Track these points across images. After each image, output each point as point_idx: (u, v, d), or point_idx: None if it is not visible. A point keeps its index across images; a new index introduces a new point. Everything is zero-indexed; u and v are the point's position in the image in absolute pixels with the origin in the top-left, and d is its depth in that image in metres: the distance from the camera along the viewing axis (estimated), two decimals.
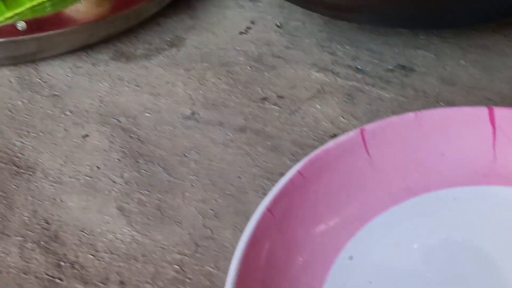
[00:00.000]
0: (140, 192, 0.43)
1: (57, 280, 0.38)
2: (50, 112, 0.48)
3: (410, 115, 0.40)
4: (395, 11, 0.46)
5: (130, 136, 0.46)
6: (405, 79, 0.49)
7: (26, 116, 0.48)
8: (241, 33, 0.54)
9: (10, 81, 0.51)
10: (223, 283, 0.35)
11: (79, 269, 0.38)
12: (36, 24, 0.52)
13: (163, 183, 0.43)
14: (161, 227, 0.40)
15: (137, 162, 0.44)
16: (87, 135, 0.47)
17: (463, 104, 0.46)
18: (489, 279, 0.35)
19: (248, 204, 0.41)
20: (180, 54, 0.53)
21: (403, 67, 0.50)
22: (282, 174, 0.38)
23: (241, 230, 0.38)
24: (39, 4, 0.54)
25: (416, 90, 0.48)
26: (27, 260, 0.39)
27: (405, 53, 0.51)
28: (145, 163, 0.44)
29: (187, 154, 0.45)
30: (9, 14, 0.53)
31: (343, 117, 0.46)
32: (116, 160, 0.45)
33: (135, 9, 0.53)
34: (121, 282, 0.38)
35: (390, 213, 0.39)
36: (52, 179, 0.44)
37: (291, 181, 0.37)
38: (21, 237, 0.40)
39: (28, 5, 0.53)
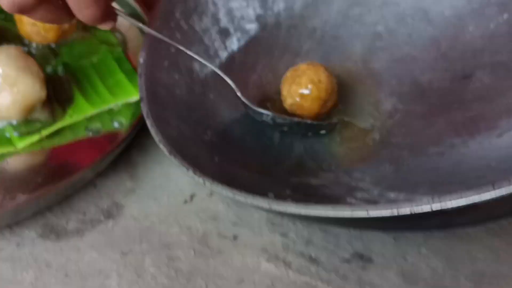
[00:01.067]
0: None
1: None
2: None
3: None
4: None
5: None
6: (363, 274, 0.45)
7: None
8: (185, 201, 0.50)
9: None
10: None
11: None
12: None
13: None
14: None
15: None
16: None
17: None
18: None
19: None
20: (117, 230, 0.47)
21: (360, 257, 0.46)
22: None
23: None
24: None
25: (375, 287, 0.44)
26: None
27: (362, 236, 0.47)
28: None
29: None
30: None
31: None
32: None
33: (70, 180, 0.47)
34: None
35: None
36: None
37: None
38: None
39: None
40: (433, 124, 0.49)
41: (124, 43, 0.58)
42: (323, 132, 0.51)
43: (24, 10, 0.42)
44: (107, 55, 0.57)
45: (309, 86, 0.49)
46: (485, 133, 0.46)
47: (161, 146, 0.40)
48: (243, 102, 0.48)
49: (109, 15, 0.44)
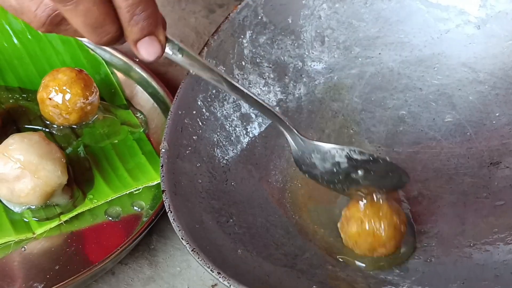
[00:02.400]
0: None
1: None
2: None
3: None
4: None
5: None
6: None
7: None
8: None
9: None
10: None
11: None
12: None
13: None
14: None
15: None
16: None
17: None
18: None
19: None
20: None
21: None
22: None
23: None
24: None
25: None
26: None
27: None
28: None
29: None
30: None
31: None
32: None
33: (89, 273, 0.45)
34: None
35: None
36: None
37: None
38: None
39: None
40: (462, 213, 0.48)
41: (145, 124, 0.58)
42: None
43: (55, 22, 0.40)
44: (128, 136, 0.56)
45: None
46: None
47: (184, 242, 0.40)
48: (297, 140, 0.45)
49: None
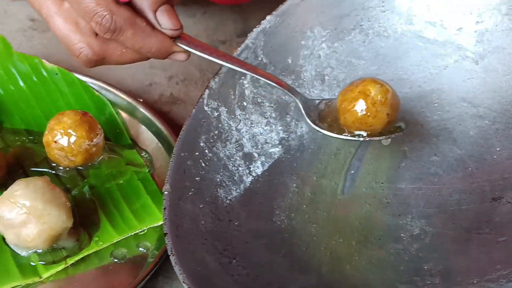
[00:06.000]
0: None
1: None
2: None
3: None
4: None
5: None
6: None
7: None
8: None
9: None
10: None
11: None
12: None
13: None
14: None
15: None
16: None
17: None
18: None
19: None
20: None
21: None
22: None
23: None
24: None
25: None
26: None
27: None
28: None
29: None
30: None
31: None
32: None
33: None
34: None
35: None
36: None
37: None
38: None
39: None
40: (465, 250, 0.48)
41: (150, 163, 0.59)
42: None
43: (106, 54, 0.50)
44: (133, 176, 0.57)
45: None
46: None
47: (185, 286, 0.40)
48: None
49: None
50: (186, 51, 0.52)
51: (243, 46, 0.56)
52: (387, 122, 0.50)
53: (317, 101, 0.54)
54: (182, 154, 0.51)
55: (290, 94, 0.53)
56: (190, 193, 0.49)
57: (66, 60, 0.67)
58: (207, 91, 0.54)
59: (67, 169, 0.57)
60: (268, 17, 0.57)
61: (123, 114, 0.63)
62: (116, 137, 0.61)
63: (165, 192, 0.48)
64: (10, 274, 0.49)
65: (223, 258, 0.46)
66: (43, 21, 0.80)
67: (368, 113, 0.49)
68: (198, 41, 0.52)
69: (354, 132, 0.51)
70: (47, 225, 0.48)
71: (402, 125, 0.51)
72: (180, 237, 0.45)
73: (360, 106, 0.50)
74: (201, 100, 0.54)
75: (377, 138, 0.51)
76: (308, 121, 0.52)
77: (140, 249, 0.52)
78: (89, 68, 0.52)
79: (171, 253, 0.43)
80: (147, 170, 0.58)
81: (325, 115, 0.53)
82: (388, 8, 0.56)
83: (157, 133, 0.61)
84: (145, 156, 0.60)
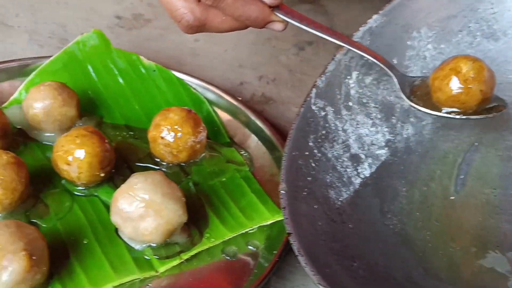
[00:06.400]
0: None
1: None
2: None
3: None
4: None
5: None
6: None
7: None
8: None
9: None
10: None
11: None
12: None
13: None
14: None
15: None
16: None
17: None
18: None
19: None
20: None
21: None
22: None
23: None
24: None
25: None
26: None
27: None
28: None
29: None
30: None
31: None
32: None
33: None
34: None
35: None
36: None
37: None
38: None
39: None
40: None
41: (250, 162, 0.59)
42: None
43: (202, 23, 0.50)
44: (235, 174, 0.58)
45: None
46: None
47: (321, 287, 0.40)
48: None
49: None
50: (283, 21, 0.53)
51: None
52: (481, 100, 0.51)
53: (413, 79, 0.54)
54: (293, 154, 0.51)
55: (387, 69, 0.53)
56: (304, 193, 0.49)
57: (154, 58, 0.69)
58: (314, 90, 0.55)
59: (170, 165, 0.58)
60: (374, 16, 0.57)
61: (220, 112, 0.63)
62: (214, 135, 0.61)
63: (282, 191, 0.48)
64: (128, 268, 0.49)
65: (344, 260, 0.46)
66: (129, 19, 0.83)
67: (461, 90, 0.50)
68: (296, 12, 0.53)
69: (447, 109, 0.52)
70: (164, 219, 0.49)
71: (502, 103, 0.52)
72: (302, 237, 0.45)
73: (452, 83, 0.50)
74: (308, 99, 0.54)
75: (477, 117, 0.51)
76: (403, 96, 0.53)
77: (249, 247, 0.52)
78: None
79: (300, 254, 0.43)
80: (247, 169, 0.59)
81: (420, 92, 0.54)
82: (498, 10, 0.56)
83: (256, 132, 0.61)
84: (245, 154, 0.60)
